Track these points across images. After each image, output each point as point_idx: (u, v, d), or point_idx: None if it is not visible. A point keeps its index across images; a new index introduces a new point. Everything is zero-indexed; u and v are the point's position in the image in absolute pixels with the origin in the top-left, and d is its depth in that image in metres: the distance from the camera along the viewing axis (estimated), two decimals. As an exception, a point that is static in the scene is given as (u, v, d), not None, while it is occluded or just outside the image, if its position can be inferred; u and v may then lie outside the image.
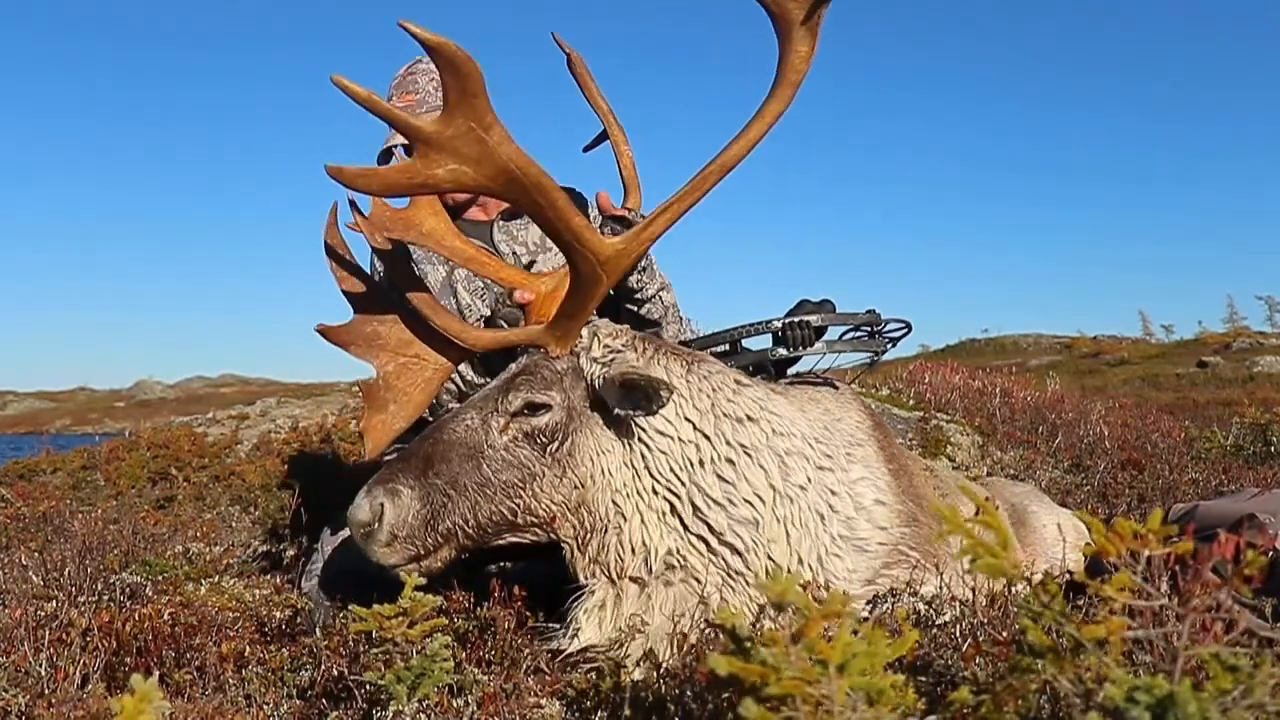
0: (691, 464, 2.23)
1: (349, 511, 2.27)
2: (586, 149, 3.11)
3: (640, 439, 2.24)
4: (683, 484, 2.22)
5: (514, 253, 3.08)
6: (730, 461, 2.23)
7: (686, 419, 2.25)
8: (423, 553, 2.25)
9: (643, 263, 2.78)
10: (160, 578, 3.15)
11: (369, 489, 2.26)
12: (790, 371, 2.78)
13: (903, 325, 2.73)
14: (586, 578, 2.26)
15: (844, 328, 2.72)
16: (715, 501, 2.21)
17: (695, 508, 2.22)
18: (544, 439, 2.24)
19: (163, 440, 7.35)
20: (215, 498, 5.53)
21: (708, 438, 2.24)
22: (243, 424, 8.00)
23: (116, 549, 3.46)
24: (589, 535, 2.25)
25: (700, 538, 2.22)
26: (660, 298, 2.90)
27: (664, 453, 2.23)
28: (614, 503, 2.23)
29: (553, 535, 2.29)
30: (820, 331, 2.63)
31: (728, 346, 2.70)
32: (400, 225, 2.59)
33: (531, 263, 3.04)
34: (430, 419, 2.74)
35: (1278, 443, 5.80)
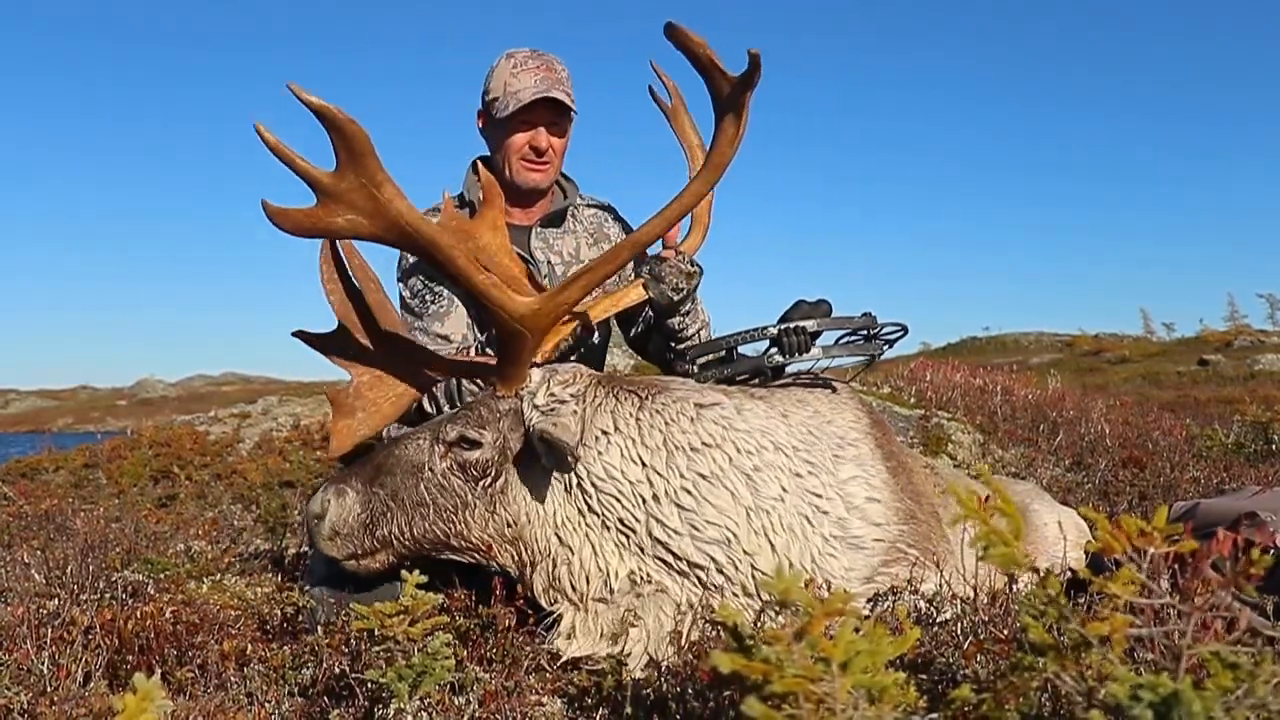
0: (644, 500, 2.23)
1: (308, 502, 2.43)
2: (586, 211, 3.19)
3: (580, 485, 2.25)
4: (638, 519, 2.23)
5: (549, 261, 3.08)
6: (688, 491, 2.23)
7: (635, 460, 2.25)
8: (360, 552, 2.37)
9: (686, 306, 2.85)
10: (162, 576, 3.15)
11: (325, 484, 2.44)
12: (789, 371, 2.78)
13: (898, 328, 2.72)
14: (548, 604, 2.27)
15: (840, 331, 2.71)
16: (676, 531, 2.21)
17: (655, 539, 2.22)
18: (475, 473, 2.31)
19: (164, 439, 7.37)
20: (217, 496, 5.55)
21: (660, 473, 2.24)
22: (244, 422, 8.01)
23: (118, 547, 3.47)
24: (529, 568, 2.28)
25: (662, 560, 2.23)
26: (699, 336, 2.96)
27: (612, 495, 2.23)
28: (557, 537, 2.26)
29: (492, 563, 2.32)
30: (816, 336, 2.63)
31: (724, 353, 2.70)
32: (462, 236, 2.68)
33: (549, 275, 3.05)
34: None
35: (1278, 441, 5.79)
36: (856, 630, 1.09)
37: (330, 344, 2.48)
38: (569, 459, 2.19)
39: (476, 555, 2.33)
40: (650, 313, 3.00)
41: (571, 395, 2.33)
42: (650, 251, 2.81)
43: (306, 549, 3.52)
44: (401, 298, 3.01)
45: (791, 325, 2.59)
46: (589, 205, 3.20)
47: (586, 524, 2.24)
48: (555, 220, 3.13)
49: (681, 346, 2.95)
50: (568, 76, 2.99)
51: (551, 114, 2.94)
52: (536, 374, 2.38)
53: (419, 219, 2.10)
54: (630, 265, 3.10)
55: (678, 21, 2.10)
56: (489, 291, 2.21)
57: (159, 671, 2.04)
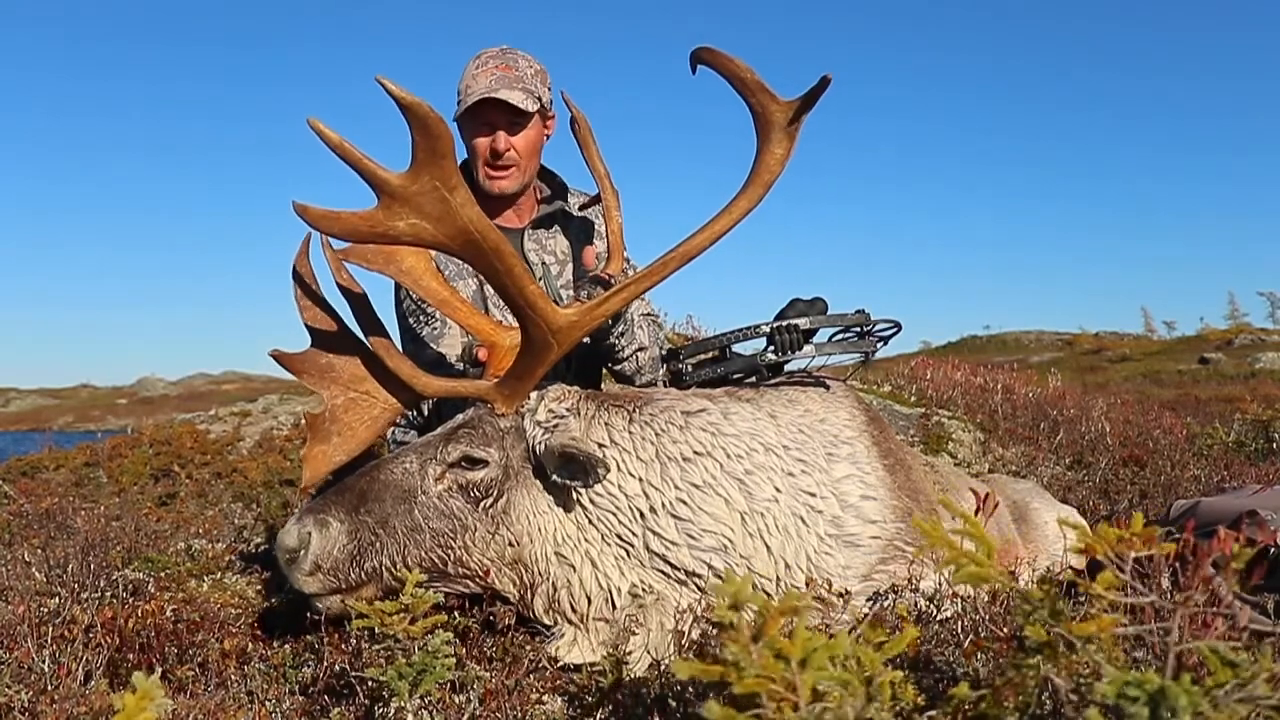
0: (642, 513, 2.22)
1: (278, 536, 2.29)
2: (581, 208, 3.17)
3: (579, 501, 2.25)
4: (635, 534, 2.22)
5: (542, 261, 3.09)
6: (683, 502, 2.23)
7: (631, 474, 2.25)
8: (345, 587, 2.26)
9: (621, 327, 2.80)
10: (163, 574, 3.15)
11: (299, 516, 2.29)
12: (787, 369, 2.78)
13: (892, 325, 2.72)
14: (549, 623, 2.26)
15: (833, 329, 2.71)
16: (673, 542, 2.21)
17: (653, 552, 2.22)
18: (477, 493, 2.26)
19: (165, 437, 7.37)
20: (217, 494, 5.55)
21: (655, 486, 2.24)
22: (245, 421, 8.01)
23: (119, 545, 3.47)
24: (531, 591, 2.26)
25: (661, 572, 2.23)
26: (636, 357, 2.93)
27: (610, 511, 2.23)
28: (558, 555, 2.23)
29: (492, 589, 2.27)
30: (810, 334, 2.63)
31: (718, 352, 2.71)
32: (381, 259, 2.61)
33: (544, 275, 3.05)
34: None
35: (1279, 439, 5.79)
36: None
37: (305, 364, 2.42)
38: (599, 471, 2.16)
39: (473, 582, 2.28)
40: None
41: (567, 410, 2.33)
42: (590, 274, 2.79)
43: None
44: (400, 318, 3.01)
45: (785, 323, 2.59)
46: (580, 202, 3.19)
47: (586, 540, 2.24)
48: (547, 222, 3.13)
49: (618, 368, 2.95)
50: (534, 73, 2.93)
51: (508, 115, 2.87)
52: (532, 392, 2.37)
53: (489, 225, 2.06)
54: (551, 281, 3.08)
55: (712, 46, 2.16)
56: (537, 302, 2.19)
57: (160, 669, 2.05)
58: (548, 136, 3.08)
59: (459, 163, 3.05)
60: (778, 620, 1.06)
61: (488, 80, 2.86)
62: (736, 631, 1.06)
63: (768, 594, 2.24)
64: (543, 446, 2.25)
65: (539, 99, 2.91)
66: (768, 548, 2.24)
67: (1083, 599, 1.92)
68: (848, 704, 1.02)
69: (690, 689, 1.72)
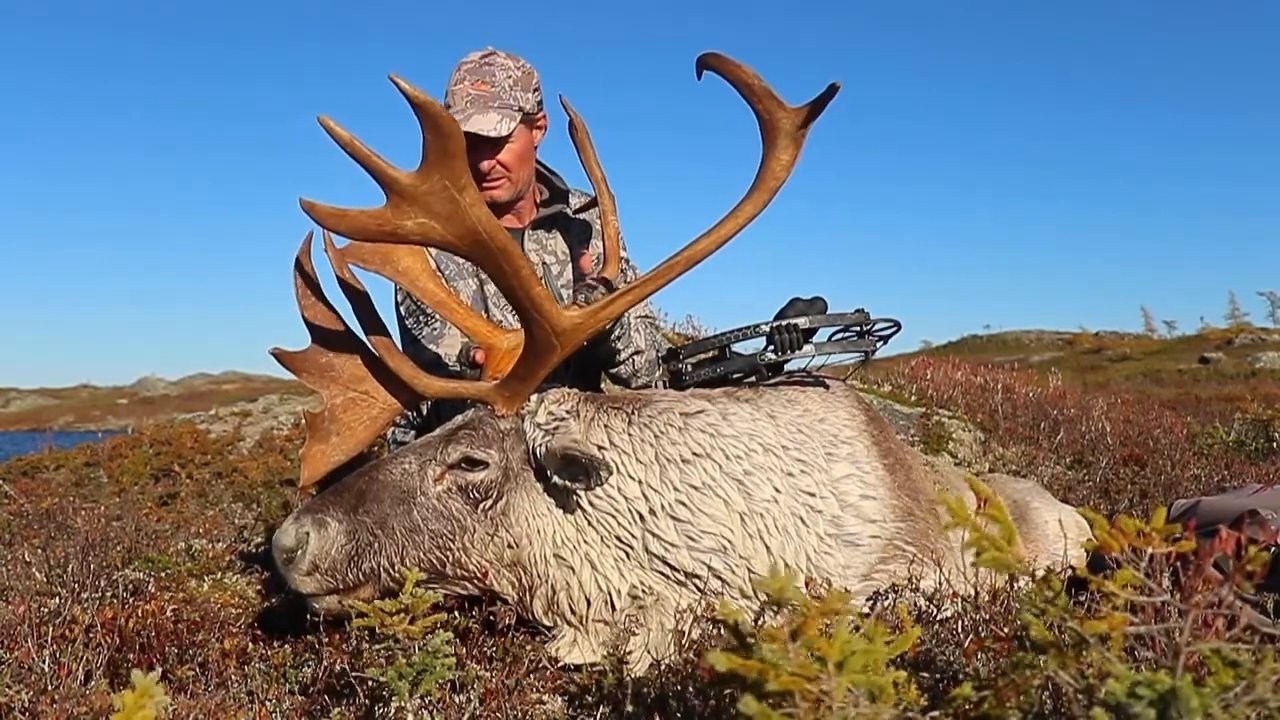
0: (641, 515, 2.22)
1: (275, 535, 2.28)
2: (576, 212, 3.16)
3: (579, 504, 2.25)
4: (635, 536, 2.22)
5: (543, 261, 3.08)
6: (683, 504, 2.23)
7: (631, 476, 2.25)
8: (342, 588, 2.25)
9: (617, 331, 2.79)
10: (163, 574, 3.15)
11: (297, 516, 2.28)
12: (786, 369, 2.78)
13: (891, 324, 2.72)
14: (549, 624, 2.26)
15: (833, 328, 2.71)
16: (672, 544, 2.22)
17: (652, 553, 2.22)
18: (477, 495, 2.25)
19: (165, 437, 7.38)
20: (218, 494, 5.55)
21: (655, 488, 2.24)
22: (245, 421, 8.01)
23: (119, 545, 3.47)
24: (530, 593, 2.25)
25: (660, 573, 2.23)
26: (633, 360, 2.92)
27: (610, 513, 2.23)
28: (557, 557, 2.23)
29: (490, 591, 2.27)
30: (809, 334, 2.63)
31: (718, 351, 2.70)
32: (378, 259, 2.61)
33: (545, 275, 3.04)
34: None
35: (1279, 438, 5.79)
36: (857, 629, 1.09)
37: (305, 363, 2.41)
38: (601, 474, 2.16)
39: (471, 584, 2.28)
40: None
41: (567, 412, 2.33)
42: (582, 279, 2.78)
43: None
44: (399, 319, 3.01)
45: (785, 322, 2.59)
46: (580, 203, 3.18)
47: (585, 542, 2.24)
48: (547, 224, 3.12)
49: (613, 371, 2.95)
50: (514, 82, 2.87)
51: (485, 137, 2.83)
52: (532, 394, 2.37)
53: (497, 226, 2.07)
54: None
55: (719, 52, 2.17)
56: (543, 304, 2.19)
57: (160, 669, 2.04)
58: (542, 134, 3.06)
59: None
60: (817, 620, 1.06)
61: (462, 103, 2.83)
62: (774, 630, 1.06)
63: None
64: (543, 449, 2.25)
65: (520, 108, 2.86)
66: (767, 548, 2.24)
67: (1084, 598, 1.93)
68: (883, 711, 1.02)
69: (691, 688, 1.72)
